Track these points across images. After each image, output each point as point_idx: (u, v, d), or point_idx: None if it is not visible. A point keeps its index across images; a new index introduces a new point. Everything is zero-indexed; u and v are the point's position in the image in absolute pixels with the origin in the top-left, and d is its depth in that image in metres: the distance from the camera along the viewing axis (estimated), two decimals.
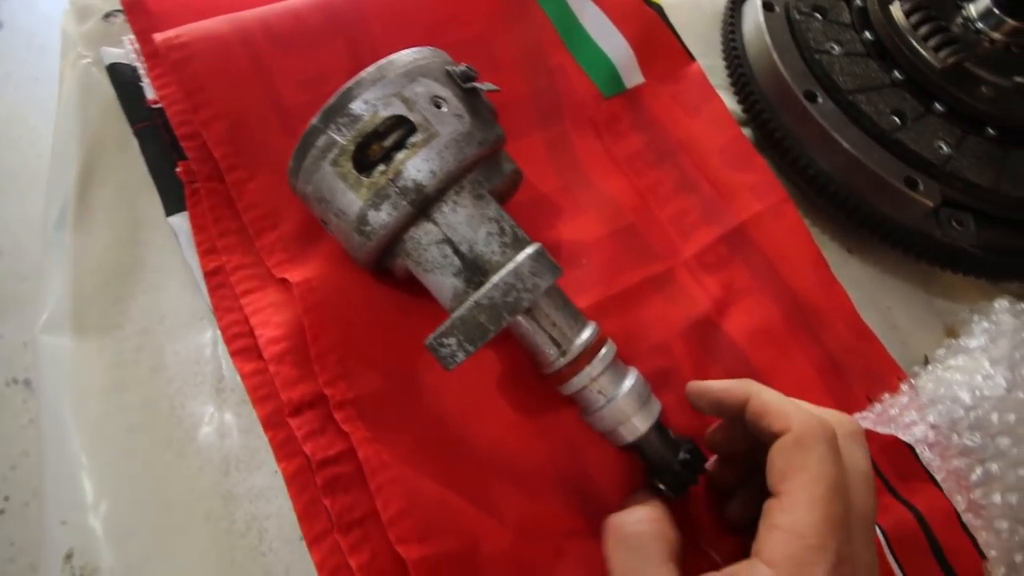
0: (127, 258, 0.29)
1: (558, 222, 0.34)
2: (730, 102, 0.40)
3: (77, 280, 0.28)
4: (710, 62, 0.42)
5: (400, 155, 0.23)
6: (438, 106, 0.23)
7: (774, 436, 0.21)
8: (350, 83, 0.22)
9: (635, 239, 0.34)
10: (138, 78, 0.31)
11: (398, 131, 0.23)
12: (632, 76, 0.38)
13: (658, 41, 0.39)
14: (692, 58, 0.39)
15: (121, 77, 0.31)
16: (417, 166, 0.22)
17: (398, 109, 0.22)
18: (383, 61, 0.23)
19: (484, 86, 0.24)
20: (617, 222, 0.35)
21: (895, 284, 0.38)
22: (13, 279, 1.05)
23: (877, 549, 0.24)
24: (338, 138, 0.22)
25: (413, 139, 0.22)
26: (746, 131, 0.39)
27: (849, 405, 0.32)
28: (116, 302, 0.28)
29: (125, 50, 0.32)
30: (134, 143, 0.31)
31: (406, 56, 0.23)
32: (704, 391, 0.25)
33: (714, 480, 0.28)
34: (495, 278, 0.22)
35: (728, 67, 0.40)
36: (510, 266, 0.22)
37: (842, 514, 0.19)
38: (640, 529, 0.23)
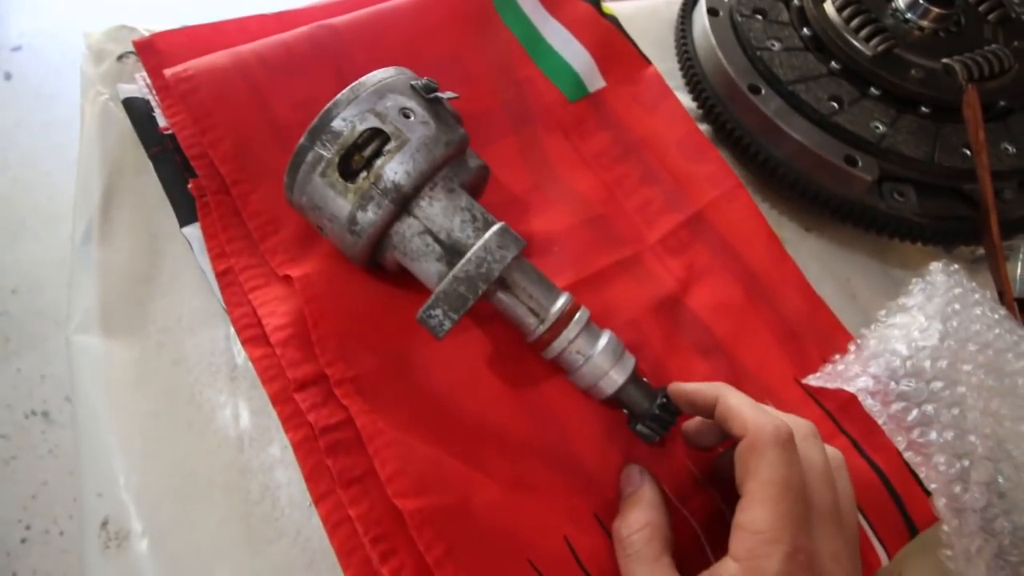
0: (147, 266, 0.33)
1: (531, 215, 0.37)
2: (686, 100, 0.43)
3: (103, 287, 0.32)
4: (669, 65, 0.46)
5: (379, 161, 0.26)
6: (407, 116, 0.26)
7: (737, 438, 0.24)
8: (329, 105, 0.26)
9: (604, 227, 0.38)
10: (150, 109, 0.35)
11: (375, 141, 0.26)
12: (594, 81, 0.42)
13: (616, 48, 0.42)
14: (648, 62, 0.43)
15: (136, 109, 0.35)
16: (394, 169, 0.26)
17: (372, 122, 0.26)
18: (355, 83, 0.27)
19: (446, 95, 0.28)
20: (587, 213, 0.38)
21: (852, 257, 0.41)
22: (29, 316, 1.09)
23: None
24: (324, 153, 0.26)
25: (388, 147, 0.26)
26: (703, 126, 0.42)
27: (806, 367, 0.34)
28: (139, 305, 0.32)
29: (138, 86, 0.36)
30: (149, 166, 0.34)
31: (375, 76, 0.27)
32: (680, 392, 0.28)
33: (692, 439, 0.30)
34: (468, 254, 0.25)
35: (682, 68, 0.44)
36: (479, 243, 0.25)
37: (794, 510, 0.21)
38: (635, 537, 0.25)
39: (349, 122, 0.26)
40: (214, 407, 0.30)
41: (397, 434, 0.27)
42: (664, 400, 0.29)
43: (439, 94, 0.27)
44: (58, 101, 1.33)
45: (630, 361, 0.30)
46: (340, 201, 0.26)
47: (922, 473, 0.28)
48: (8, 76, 1.37)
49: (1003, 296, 0.37)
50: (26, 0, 1.50)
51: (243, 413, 0.30)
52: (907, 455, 0.28)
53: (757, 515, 0.21)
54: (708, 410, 0.26)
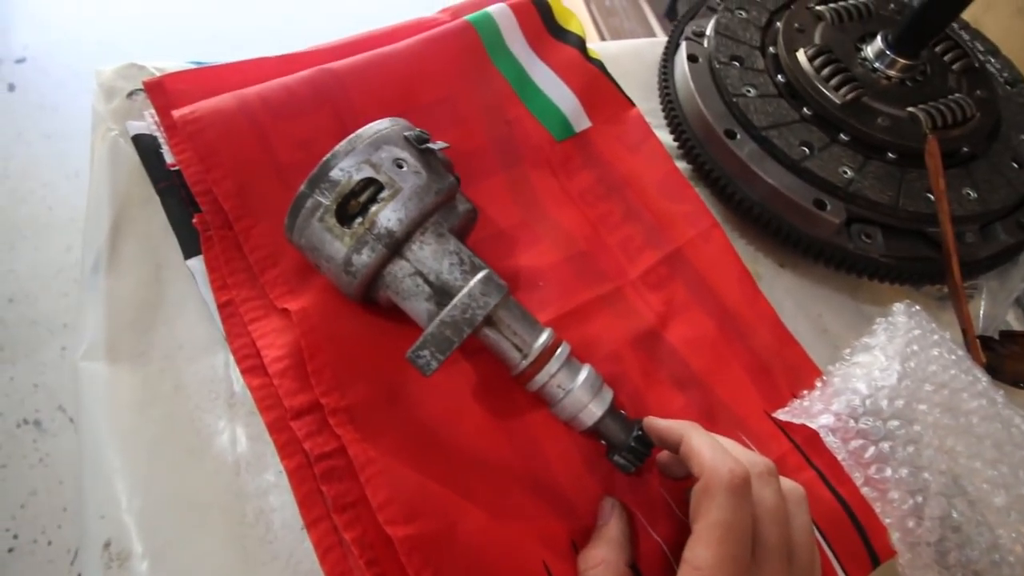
0: (152, 296, 0.34)
1: (519, 251, 0.39)
2: (667, 139, 0.46)
3: (110, 315, 0.33)
4: (651, 104, 0.48)
5: (373, 208, 0.28)
6: (400, 166, 0.28)
7: (696, 477, 0.26)
8: (328, 156, 0.28)
9: (587, 263, 0.40)
10: (159, 146, 0.37)
11: (370, 189, 0.28)
12: (580, 121, 0.44)
13: (601, 90, 0.45)
14: (632, 104, 0.45)
15: (144, 145, 0.37)
16: (387, 216, 0.28)
17: (368, 172, 0.28)
18: (352, 135, 0.29)
19: (436, 145, 0.30)
20: (571, 249, 0.40)
21: (825, 293, 0.44)
22: (24, 325, 1.10)
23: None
24: (322, 200, 0.28)
25: (382, 195, 0.28)
26: (682, 164, 0.45)
27: (776, 400, 0.36)
28: (143, 333, 0.34)
29: (147, 123, 0.38)
30: (156, 200, 0.36)
31: (371, 129, 0.29)
32: (652, 428, 0.30)
33: (665, 470, 0.32)
34: (454, 300, 0.27)
35: (664, 110, 0.46)
36: (465, 290, 0.27)
37: (734, 551, 0.23)
38: (590, 572, 0.27)
39: (346, 172, 0.28)
40: (212, 433, 0.32)
41: (387, 462, 0.29)
42: (640, 433, 0.30)
43: (431, 145, 0.29)
44: (60, 113, 1.35)
45: (608, 395, 0.31)
46: (337, 244, 0.28)
47: (878, 508, 0.29)
48: (11, 87, 1.39)
49: (966, 334, 0.39)
50: (32, 13, 1.53)
51: (240, 439, 0.32)
52: (864, 490, 0.30)
53: (700, 553, 0.23)
54: (676, 447, 0.28)
